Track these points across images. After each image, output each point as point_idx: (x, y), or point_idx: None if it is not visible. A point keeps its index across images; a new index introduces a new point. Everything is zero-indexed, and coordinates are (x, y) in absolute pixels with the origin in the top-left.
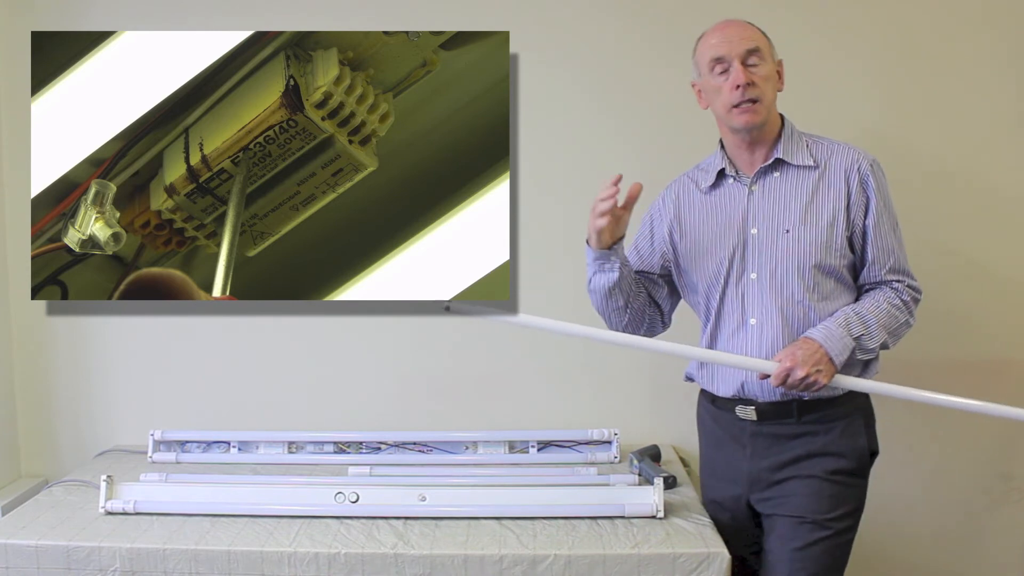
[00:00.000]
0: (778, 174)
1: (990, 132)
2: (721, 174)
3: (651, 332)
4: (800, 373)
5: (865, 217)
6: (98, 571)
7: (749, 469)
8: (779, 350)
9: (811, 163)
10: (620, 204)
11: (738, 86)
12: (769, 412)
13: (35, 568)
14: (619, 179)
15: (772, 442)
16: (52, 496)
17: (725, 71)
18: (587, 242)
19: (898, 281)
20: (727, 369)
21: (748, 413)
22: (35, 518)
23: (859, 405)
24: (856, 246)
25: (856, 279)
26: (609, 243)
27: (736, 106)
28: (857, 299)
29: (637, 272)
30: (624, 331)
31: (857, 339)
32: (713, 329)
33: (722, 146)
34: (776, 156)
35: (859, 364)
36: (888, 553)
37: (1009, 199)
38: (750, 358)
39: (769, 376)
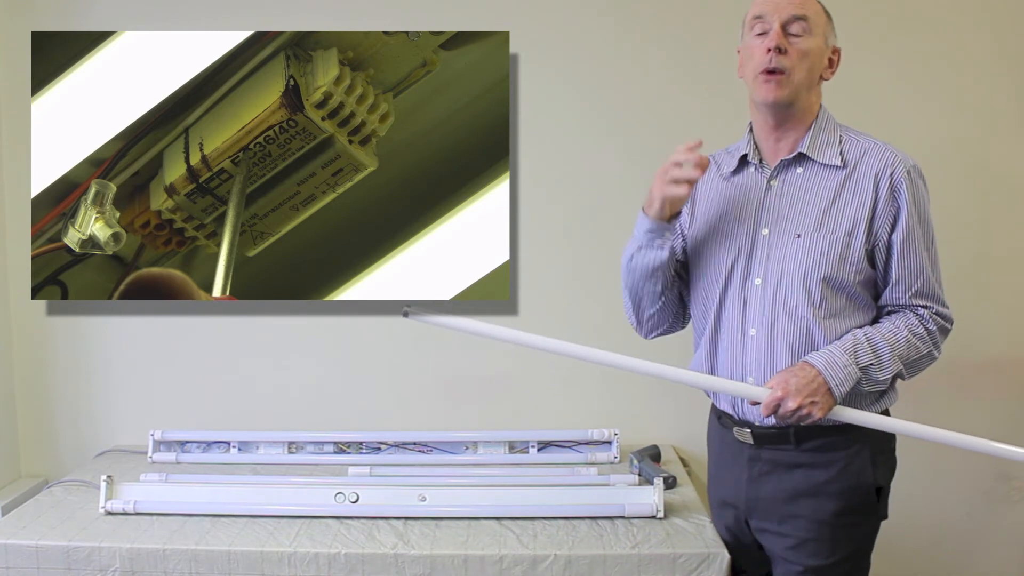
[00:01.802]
0: (801, 170)
1: (991, 131)
2: (744, 160)
3: (673, 328)
4: (791, 404)
5: (892, 230)
6: (98, 571)
7: (747, 495)
8: (779, 367)
9: (838, 163)
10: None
11: (769, 49)
12: (766, 437)
13: (35, 568)
14: (699, 144)
15: (770, 469)
16: (52, 496)
17: (764, 33)
18: (643, 210)
19: (924, 307)
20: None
21: (745, 436)
22: (35, 518)
23: (866, 434)
24: (879, 262)
25: (877, 298)
26: (670, 215)
27: (762, 72)
28: (876, 321)
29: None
30: (652, 319)
31: (864, 369)
32: (712, 334)
33: (751, 129)
34: (800, 150)
35: (871, 396)
36: (888, 553)
37: (1010, 197)
38: (741, 384)
39: (760, 403)
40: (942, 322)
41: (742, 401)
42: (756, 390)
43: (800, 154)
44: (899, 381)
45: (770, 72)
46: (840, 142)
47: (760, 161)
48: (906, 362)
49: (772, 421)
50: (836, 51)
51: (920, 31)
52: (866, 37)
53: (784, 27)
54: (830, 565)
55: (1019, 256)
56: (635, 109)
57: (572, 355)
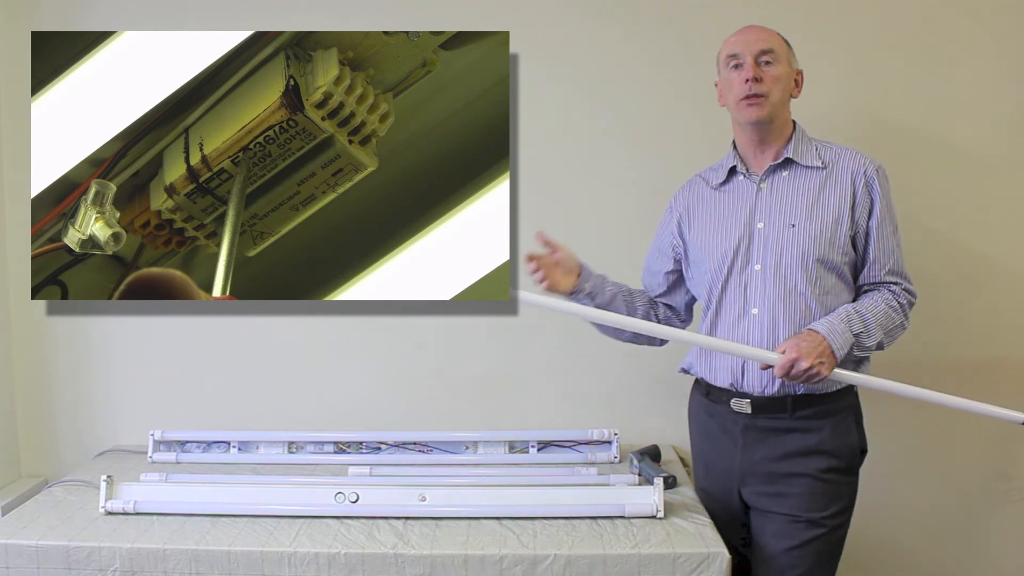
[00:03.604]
0: (787, 173)
1: (992, 130)
2: (732, 171)
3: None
4: (804, 364)
5: (869, 219)
6: (98, 571)
7: (741, 462)
8: (780, 340)
9: (819, 164)
10: (549, 255)
11: (747, 80)
12: (764, 406)
13: (35, 568)
14: (529, 259)
15: (764, 435)
16: (52, 496)
17: (739, 67)
18: None
19: (895, 284)
20: (725, 358)
21: (743, 406)
22: (35, 518)
23: (850, 403)
24: (858, 246)
25: (856, 278)
26: (570, 286)
27: (744, 99)
28: (855, 299)
29: (655, 274)
30: (630, 340)
31: (856, 336)
32: (713, 318)
33: (735, 147)
34: (786, 155)
35: (852, 363)
36: (888, 553)
37: (1010, 196)
38: (754, 348)
39: (771, 367)
40: (909, 297)
41: (743, 373)
42: (769, 354)
43: (787, 159)
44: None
45: (752, 96)
46: (816, 149)
47: (747, 170)
48: (885, 331)
49: (772, 391)
50: (799, 73)
51: (925, 25)
52: (871, 35)
53: (756, 59)
54: (825, 517)
55: (1020, 254)
56: (635, 109)
57: (635, 329)
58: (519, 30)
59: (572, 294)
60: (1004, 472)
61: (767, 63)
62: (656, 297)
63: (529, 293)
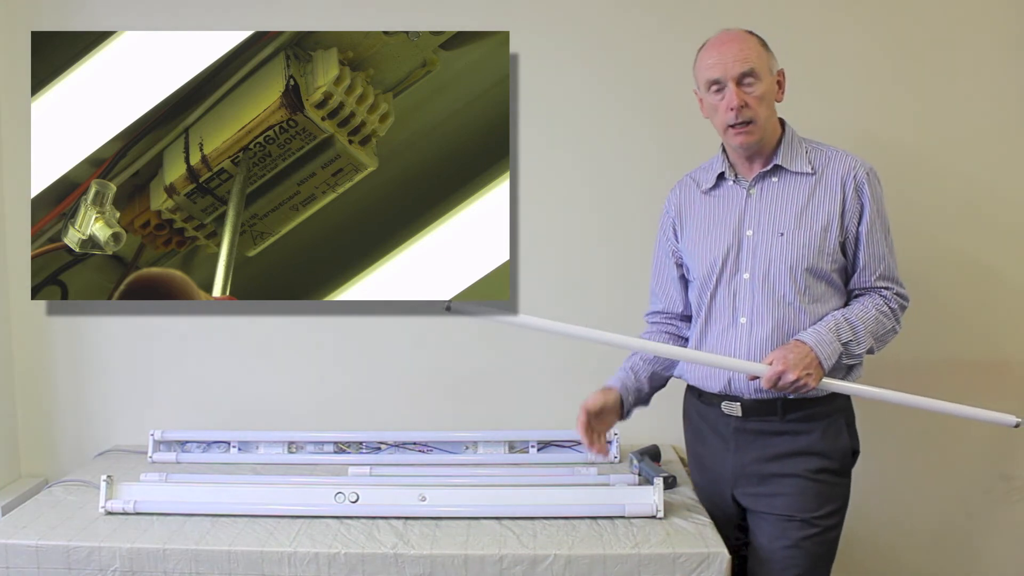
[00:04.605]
0: (776, 179)
1: (990, 132)
2: (721, 176)
3: None
4: (791, 376)
5: (859, 223)
6: (98, 571)
7: (733, 464)
8: (768, 350)
9: (809, 170)
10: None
11: (732, 109)
12: (754, 409)
13: (35, 568)
14: (591, 443)
15: (755, 437)
16: (52, 496)
17: (721, 91)
18: None
19: (886, 288)
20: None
21: (734, 409)
22: (35, 518)
23: (841, 406)
24: (849, 251)
25: (847, 283)
26: (619, 417)
27: (731, 126)
28: (846, 303)
29: (668, 279)
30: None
31: (845, 344)
32: (703, 326)
33: (723, 150)
34: (775, 162)
35: (843, 367)
36: (888, 553)
37: (1009, 199)
38: (741, 361)
39: (759, 378)
40: (901, 301)
41: (734, 378)
42: (756, 366)
43: (776, 165)
44: (866, 368)
45: (739, 125)
46: (807, 152)
47: (736, 176)
48: (876, 337)
49: (763, 394)
50: (780, 73)
51: (922, 33)
52: (868, 40)
53: (737, 83)
54: (818, 517)
55: (1019, 256)
56: (635, 109)
57: (594, 340)
58: (519, 30)
59: (624, 418)
60: (1004, 472)
61: (749, 83)
62: (680, 318)
63: (529, 317)
